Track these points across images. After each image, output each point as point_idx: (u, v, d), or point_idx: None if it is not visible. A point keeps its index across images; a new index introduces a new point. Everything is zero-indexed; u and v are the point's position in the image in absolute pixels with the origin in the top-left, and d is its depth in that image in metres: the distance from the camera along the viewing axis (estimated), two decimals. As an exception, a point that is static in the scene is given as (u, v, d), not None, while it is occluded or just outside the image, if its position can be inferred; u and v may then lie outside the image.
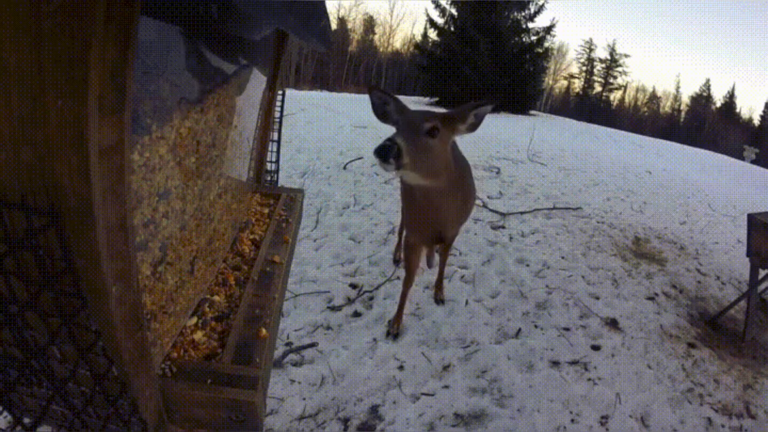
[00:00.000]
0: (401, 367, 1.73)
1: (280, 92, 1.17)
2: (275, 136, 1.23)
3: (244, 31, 0.74)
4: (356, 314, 2.06)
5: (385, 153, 1.09)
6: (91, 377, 0.39)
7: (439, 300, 2.15)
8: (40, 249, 0.32)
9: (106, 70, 0.30)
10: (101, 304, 0.36)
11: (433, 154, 1.21)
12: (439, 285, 2.18)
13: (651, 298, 2.44)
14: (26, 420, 0.49)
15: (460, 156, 1.68)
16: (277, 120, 1.23)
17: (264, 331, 0.66)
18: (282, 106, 1.26)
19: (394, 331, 1.90)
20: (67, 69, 0.28)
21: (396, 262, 2.52)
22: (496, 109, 11.31)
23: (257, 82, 0.90)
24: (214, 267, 0.77)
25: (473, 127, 1.26)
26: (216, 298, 0.73)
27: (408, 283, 1.93)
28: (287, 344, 1.80)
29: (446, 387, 1.65)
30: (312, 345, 1.80)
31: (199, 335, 0.63)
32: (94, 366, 0.39)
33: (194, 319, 0.66)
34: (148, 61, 0.47)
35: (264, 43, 0.89)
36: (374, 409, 1.55)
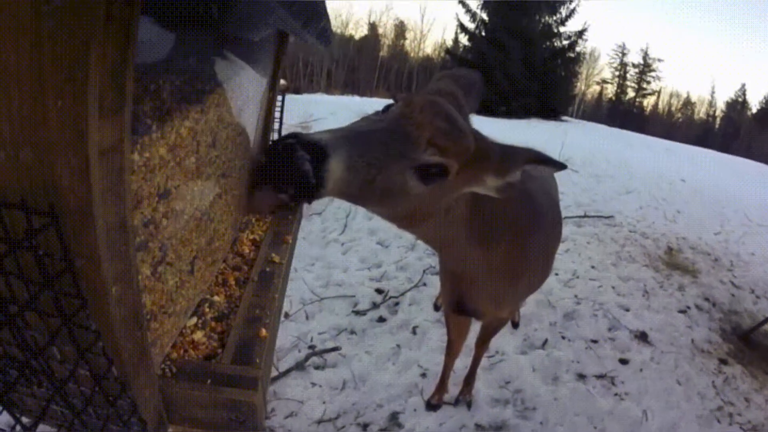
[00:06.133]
0: (424, 375, 1.71)
1: (280, 93, 1.17)
2: (275, 136, 1.23)
3: (244, 32, 0.74)
4: (381, 319, 2.04)
5: (281, 168, 0.50)
6: (91, 377, 0.39)
7: (462, 400, 1.60)
8: (40, 249, 0.32)
9: (106, 70, 0.30)
10: (101, 304, 0.36)
11: (407, 203, 0.62)
12: (466, 381, 1.62)
13: (683, 311, 2.38)
14: (26, 420, 0.49)
15: (533, 193, 0.96)
16: (277, 120, 1.23)
17: (264, 331, 0.66)
18: (282, 106, 1.26)
19: (434, 401, 1.59)
20: (67, 69, 0.28)
21: (436, 308, 2.14)
22: (526, 115, 10.93)
23: (257, 82, 0.90)
24: (214, 267, 0.77)
25: (510, 188, 0.67)
26: (216, 298, 0.73)
27: (449, 352, 1.53)
28: (310, 347, 1.79)
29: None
30: (335, 349, 1.79)
31: (198, 335, 0.63)
32: (94, 366, 0.39)
33: (194, 320, 0.66)
34: (148, 61, 0.47)
35: (264, 43, 0.89)
36: (394, 416, 1.53)
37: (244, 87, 0.79)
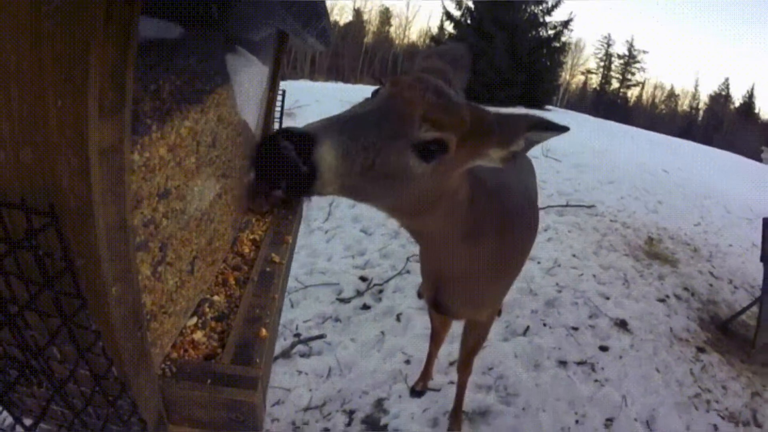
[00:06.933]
0: (408, 361, 1.73)
1: (280, 92, 1.17)
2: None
3: (244, 32, 0.74)
4: (365, 307, 2.06)
5: (271, 167, 0.48)
6: (91, 377, 0.39)
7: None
8: (40, 249, 0.32)
9: (106, 70, 0.30)
10: (101, 304, 0.36)
11: (413, 186, 0.59)
12: (454, 414, 1.49)
13: (662, 300, 2.41)
14: (26, 420, 0.49)
15: (507, 180, 0.94)
16: (278, 120, 1.23)
17: (264, 331, 0.66)
18: (282, 106, 1.26)
19: (419, 388, 1.60)
20: (67, 69, 0.28)
21: (419, 295, 2.11)
22: (511, 104, 10.77)
23: (257, 81, 0.90)
24: (214, 267, 0.77)
25: (514, 157, 0.65)
26: (216, 298, 0.73)
27: (433, 342, 1.55)
28: (296, 335, 1.81)
29: (452, 383, 1.64)
30: (320, 336, 1.81)
31: (198, 335, 0.63)
32: (94, 366, 0.39)
33: (194, 319, 0.66)
34: (148, 60, 0.47)
35: (264, 42, 0.89)
36: (379, 403, 1.55)
37: (244, 87, 0.79)
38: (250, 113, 0.88)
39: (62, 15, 0.27)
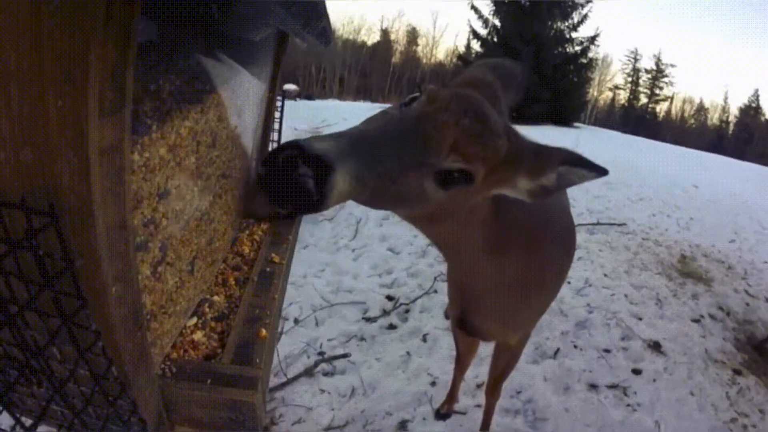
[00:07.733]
0: (433, 383, 1.69)
1: (279, 96, 1.17)
2: (275, 136, 1.23)
3: (244, 32, 0.74)
4: (391, 326, 2.03)
5: (281, 184, 0.43)
6: (91, 377, 0.39)
7: None
8: (40, 249, 0.32)
9: (106, 69, 0.30)
10: (101, 304, 0.36)
11: (423, 206, 0.55)
12: None
13: (696, 321, 2.35)
14: (26, 420, 0.49)
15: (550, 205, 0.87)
16: (278, 120, 1.23)
17: (264, 331, 0.66)
18: (282, 107, 1.26)
19: (444, 410, 1.57)
20: (68, 69, 0.28)
21: (447, 316, 2.08)
22: (539, 121, 10.61)
23: (258, 82, 0.90)
24: (214, 267, 0.77)
25: (546, 193, 0.60)
26: (216, 298, 0.73)
27: (458, 366, 1.48)
28: (320, 353, 1.79)
29: (479, 406, 1.60)
30: (344, 356, 1.78)
31: (198, 335, 0.63)
32: (94, 366, 0.39)
33: (194, 320, 0.66)
34: (148, 61, 0.47)
35: (264, 43, 0.89)
36: (403, 425, 1.52)
37: (244, 87, 0.79)
38: (251, 113, 0.88)
39: (62, 15, 0.27)
